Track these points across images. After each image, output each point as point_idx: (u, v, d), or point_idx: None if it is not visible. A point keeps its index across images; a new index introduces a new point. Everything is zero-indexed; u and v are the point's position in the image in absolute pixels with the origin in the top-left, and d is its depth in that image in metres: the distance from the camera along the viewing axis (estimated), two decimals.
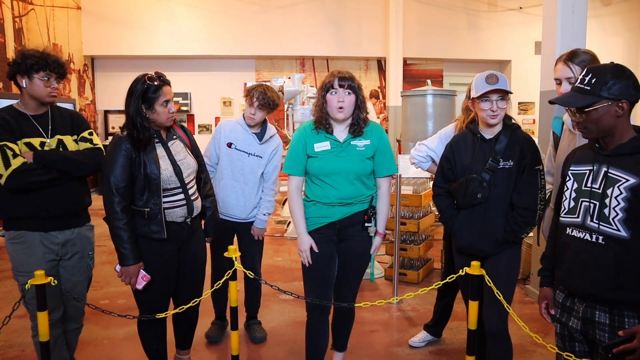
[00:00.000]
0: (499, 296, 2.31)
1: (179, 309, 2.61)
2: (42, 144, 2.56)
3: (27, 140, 2.52)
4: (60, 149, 2.61)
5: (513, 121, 2.57)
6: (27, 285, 2.20)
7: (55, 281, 2.24)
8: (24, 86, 2.54)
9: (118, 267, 2.52)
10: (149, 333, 2.75)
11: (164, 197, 2.54)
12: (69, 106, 8.63)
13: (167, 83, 2.55)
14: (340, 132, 2.66)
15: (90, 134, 2.75)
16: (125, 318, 2.53)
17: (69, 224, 2.65)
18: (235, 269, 2.47)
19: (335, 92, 2.56)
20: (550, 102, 1.94)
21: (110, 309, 2.56)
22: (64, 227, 2.62)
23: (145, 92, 2.49)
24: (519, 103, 11.63)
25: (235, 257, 2.48)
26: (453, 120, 3.38)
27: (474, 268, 2.25)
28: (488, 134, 2.54)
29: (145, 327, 2.74)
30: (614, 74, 1.79)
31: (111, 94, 10.82)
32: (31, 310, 2.51)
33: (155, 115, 2.52)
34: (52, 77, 2.57)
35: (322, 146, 2.62)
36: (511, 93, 2.45)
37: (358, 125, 2.63)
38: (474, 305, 2.27)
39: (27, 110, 2.60)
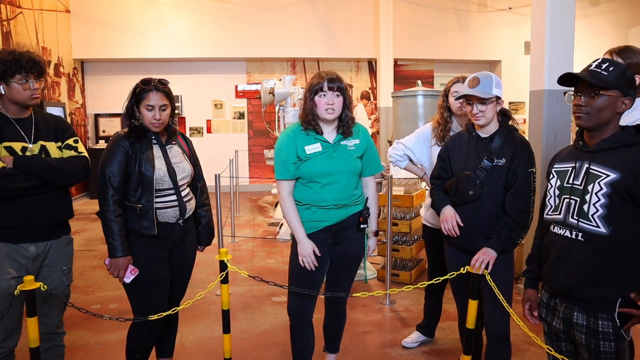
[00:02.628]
0: (500, 296, 2.31)
1: (172, 311, 2.59)
2: (24, 149, 2.42)
3: (7, 144, 2.38)
4: (43, 156, 2.47)
5: (511, 123, 2.56)
6: (16, 291, 2.17)
7: (45, 286, 2.21)
8: (3, 93, 2.39)
9: (107, 260, 2.51)
10: (140, 338, 2.67)
11: (157, 197, 2.54)
12: (58, 110, 8.62)
13: (159, 90, 2.51)
14: (329, 133, 2.64)
15: (76, 141, 2.62)
16: (117, 321, 2.51)
17: (44, 235, 2.49)
18: (228, 272, 2.46)
19: (324, 95, 2.55)
20: (569, 75, 1.87)
21: (102, 314, 2.54)
22: (37, 239, 2.46)
23: (136, 91, 2.52)
24: (510, 103, 11.69)
25: (227, 260, 2.47)
26: (429, 120, 3.39)
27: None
28: (483, 133, 2.55)
29: (138, 331, 2.66)
30: (627, 72, 1.82)
31: (101, 98, 10.79)
32: None
33: (141, 116, 2.53)
34: (31, 78, 2.40)
35: (313, 148, 2.59)
36: (488, 98, 2.43)
37: (347, 125, 2.63)
38: (473, 305, 2.27)
39: (9, 113, 2.44)
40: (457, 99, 2.77)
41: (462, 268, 2.37)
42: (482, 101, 2.44)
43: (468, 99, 2.48)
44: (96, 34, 10.16)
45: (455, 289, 2.77)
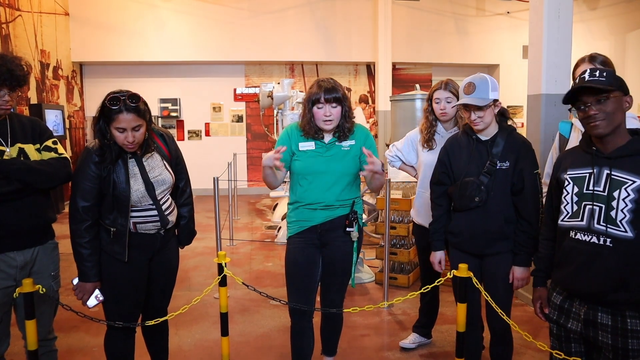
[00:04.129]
0: (487, 297, 2.36)
1: (155, 321, 2.52)
2: (1, 153, 2.31)
3: None
4: (22, 159, 2.36)
5: (510, 122, 2.60)
6: (15, 294, 2.17)
7: (44, 289, 2.21)
8: None
9: (75, 281, 2.45)
10: (116, 345, 2.62)
11: (136, 211, 2.43)
12: (57, 112, 8.62)
13: (130, 110, 2.27)
14: (326, 136, 2.68)
15: (55, 142, 2.51)
16: (115, 325, 2.51)
17: (29, 242, 2.42)
18: (225, 275, 2.46)
19: (322, 107, 2.57)
20: (578, 89, 1.89)
21: (100, 317, 2.54)
22: (22, 247, 2.39)
23: (105, 109, 2.31)
24: (508, 107, 11.67)
25: (225, 263, 2.47)
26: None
27: (462, 270, 2.27)
28: (483, 135, 2.56)
29: (113, 338, 2.60)
30: (616, 75, 1.89)
31: (100, 101, 10.69)
32: None
33: (112, 136, 2.33)
34: (4, 89, 2.29)
35: (307, 146, 2.64)
36: (486, 104, 2.44)
37: (343, 132, 2.65)
38: (462, 308, 2.29)
39: None
40: (454, 106, 2.76)
41: (449, 273, 2.41)
42: (480, 107, 2.45)
43: (465, 105, 2.50)
44: (95, 37, 10.16)
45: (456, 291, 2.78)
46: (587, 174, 1.92)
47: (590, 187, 1.89)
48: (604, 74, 1.85)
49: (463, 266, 2.28)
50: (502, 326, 2.58)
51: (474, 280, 2.31)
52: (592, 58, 2.67)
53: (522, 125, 11.35)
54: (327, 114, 2.56)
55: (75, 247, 2.38)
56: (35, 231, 2.46)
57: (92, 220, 2.37)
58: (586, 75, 1.88)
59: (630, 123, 2.29)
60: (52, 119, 8.45)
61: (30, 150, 2.42)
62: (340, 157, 2.64)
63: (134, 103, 2.29)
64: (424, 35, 11.14)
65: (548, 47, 4.18)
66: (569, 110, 2.01)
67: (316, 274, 2.73)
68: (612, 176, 1.84)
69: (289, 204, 2.77)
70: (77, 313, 2.41)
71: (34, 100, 8.29)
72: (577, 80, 1.94)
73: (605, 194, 1.85)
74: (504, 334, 2.65)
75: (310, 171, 2.62)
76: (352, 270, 2.78)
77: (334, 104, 2.57)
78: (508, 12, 11.36)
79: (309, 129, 2.62)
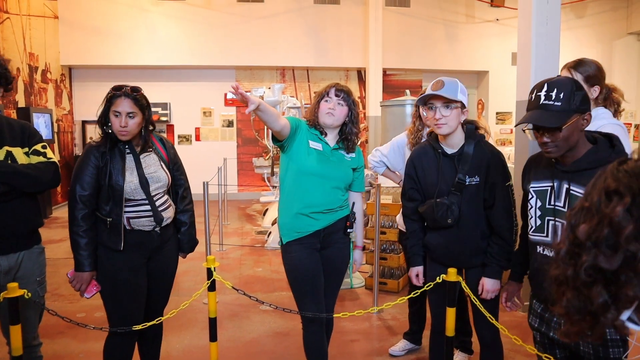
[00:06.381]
0: (476, 301, 2.36)
1: (156, 321, 2.54)
2: None
3: None
4: (9, 162, 2.36)
5: (481, 130, 2.47)
6: None
7: (30, 294, 2.19)
8: None
9: (70, 273, 2.45)
10: (117, 350, 2.59)
11: (130, 206, 2.45)
12: (45, 116, 8.55)
13: (129, 97, 2.40)
14: (331, 139, 2.70)
15: (44, 147, 2.51)
16: (102, 331, 2.48)
17: (14, 247, 2.41)
18: (214, 280, 2.45)
19: (329, 100, 2.62)
20: (522, 123, 1.86)
21: (87, 323, 2.51)
22: (7, 251, 2.38)
23: (108, 95, 2.44)
24: (497, 113, 11.81)
25: (214, 268, 2.46)
26: (406, 128, 3.47)
27: (451, 275, 2.27)
28: (449, 147, 2.43)
29: (114, 342, 2.57)
30: (576, 87, 1.79)
31: (89, 104, 10.70)
32: None
33: (111, 123, 2.43)
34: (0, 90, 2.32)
35: (316, 145, 2.65)
36: (452, 101, 2.29)
37: (350, 140, 2.69)
38: (451, 312, 2.29)
39: None
40: (418, 101, 2.54)
41: (437, 277, 2.38)
42: (447, 104, 2.30)
43: (430, 103, 2.35)
44: (84, 41, 10.11)
45: (432, 299, 2.69)
46: (548, 188, 1.91)
47: (552, 202, 1.88)
48: (560, 95, 1.76)
49: (452, 270, 2.28)
50: (490, 334, 2.58)
51: (463, 285, 2.32)
52: (577, 64, 2.63)
53: (512, 132, 11.44)
54: (331, 107, 2.61)
55: (72, 235, 2.41)
56: (21, 235, 2.44)
57: (89, 210, 2.42)
58: (542, 96, 1.80)
59: (612, 129, 2.26)
60: (40, 123, 8.37)
61: (19, 153, 2.40)
62: (345, 165, 2.69)
63: (134, 92, 2.43)
64: (415, 42, 11.21)
65: (536, 54, 4.22)
66: (523, 131, 1.95)
67: (322, 277, 2.71)
68: (572, 191, 1.82)
69: (283, 206, 2.70)
70: (63, 318, 2.38)
71: (21, 103, 8.23)
72: (532, 96, 1.84)
73: (566, 209, 1.82)
74: (493, 341, 2.63)
75: (315, 172, 2.60)
76: (349, 273, 2.79)
77: (341, 102, 2.62)
78: (497, 20, 11.47)
79: (313, 120, 2.66)
